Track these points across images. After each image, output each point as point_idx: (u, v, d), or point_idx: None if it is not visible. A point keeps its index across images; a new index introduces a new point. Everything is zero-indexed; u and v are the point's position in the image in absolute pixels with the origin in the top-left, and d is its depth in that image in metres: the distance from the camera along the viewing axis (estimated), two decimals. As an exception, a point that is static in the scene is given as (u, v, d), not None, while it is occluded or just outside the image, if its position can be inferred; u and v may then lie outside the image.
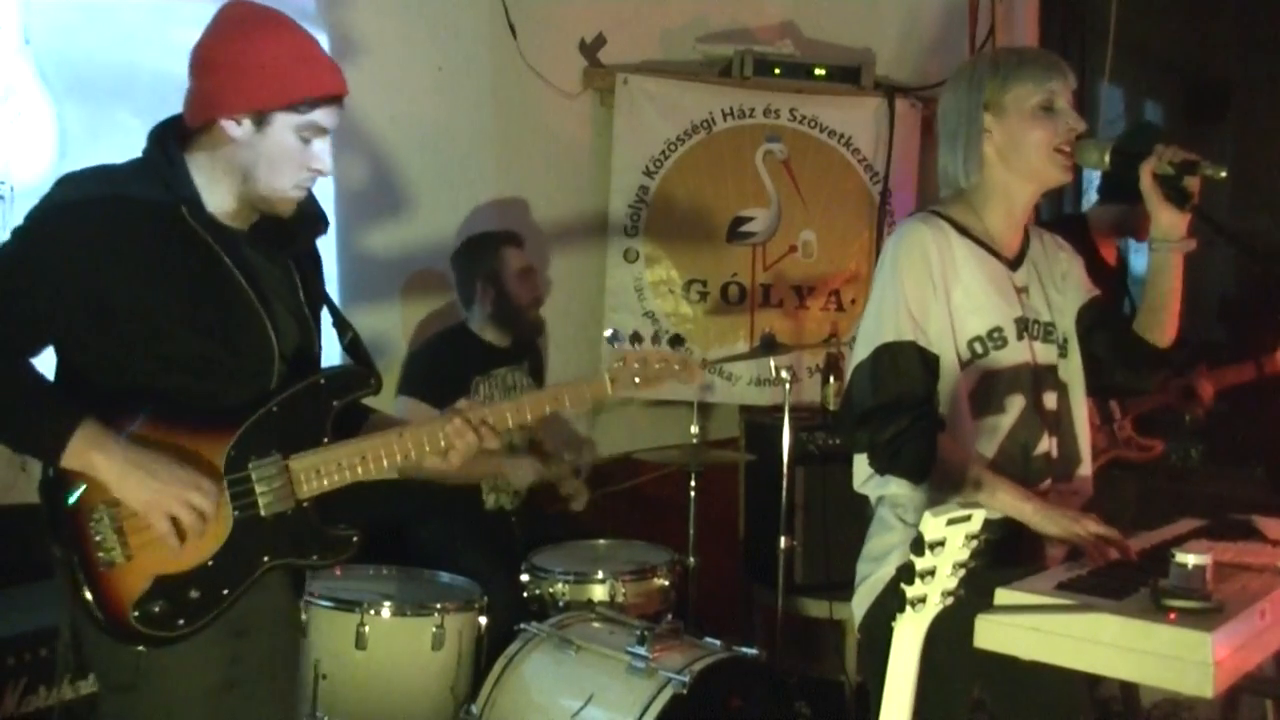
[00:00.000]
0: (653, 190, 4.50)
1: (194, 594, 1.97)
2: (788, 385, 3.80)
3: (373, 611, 2.97)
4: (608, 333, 2.34)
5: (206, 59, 2.02)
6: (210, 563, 1.98)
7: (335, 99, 2.05)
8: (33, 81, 3.04)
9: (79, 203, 1.95)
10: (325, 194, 3.73)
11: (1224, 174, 2.10)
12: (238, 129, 1.99)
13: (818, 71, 4.67)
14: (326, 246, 3.74)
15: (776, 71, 4.61)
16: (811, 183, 4.65)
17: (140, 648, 1.95)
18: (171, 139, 2.05)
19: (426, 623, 3.00)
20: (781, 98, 4.61)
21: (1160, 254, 2.22)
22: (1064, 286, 2.34)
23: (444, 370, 3.66)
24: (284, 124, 2.00)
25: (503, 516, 3.72)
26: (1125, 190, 2.37)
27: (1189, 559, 1.78)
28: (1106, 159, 2.18)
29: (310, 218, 2.16)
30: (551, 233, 4.38)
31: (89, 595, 1.92)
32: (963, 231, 2.22)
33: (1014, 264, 2.28)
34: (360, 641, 2.94)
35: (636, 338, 2.31)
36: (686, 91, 4.55)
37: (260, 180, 2.02)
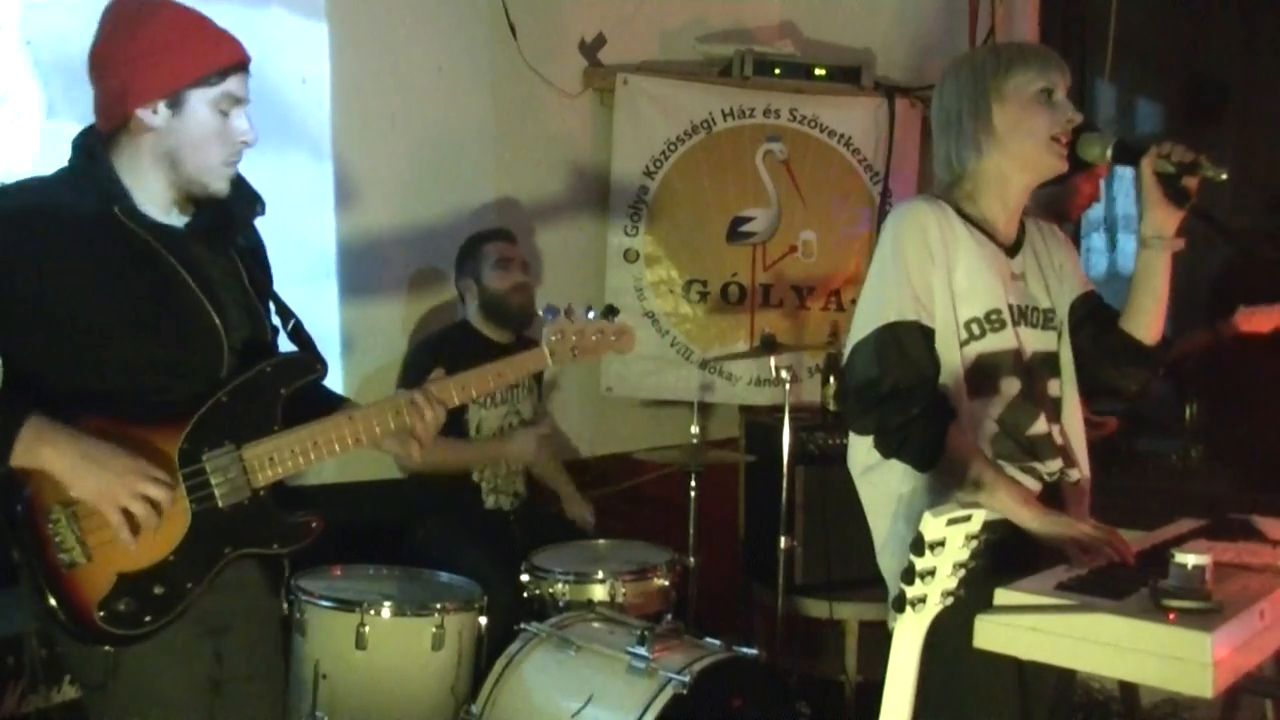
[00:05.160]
0: (653, 190, 4.50)
1: (158, 590, 1.96)
2: (788, 385, 3.80)
3: (373, 611, 2.97)
4: (541, 309, 2.38)
5: (106, 57, 2.01)
6: (171, 557, 1.98)
7: (241, 66, 2.04)
8: (32, 82, 3.04)
9: (9, 216, 1.95)
10: (325, 194, 3.76)
11: (1224, 175, 2.10)
12: (155, 117, 1.99)
13: (818, 71, 4.67)
14: (325, 245, 3.78)
15: (776, 71, 4.62)
16: (811, 183, 4.65)
17: (108, 648, 1.95)
18: (95, 143, 2.04)
19: (426, 623, 3.00)
20: (781, 98, 4.61)
21: (1150, 252, 2.22)
22: (1061, 276, 2.36)
23: (446, 365, 3.65)
24: (199, 100, 2.00)
25: (502, 516, 3.72)
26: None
27: (1189, 559, 1.78)
28: (1108, 153, 2.19)
29: (245, 200, 2.15)
30: (551, 233, 4.38)
31: (52, 599, 1.90)
32: (962, 215, 2.25)
33: (1011, 251, 2.30)
34: (360, 641, 2.94)
35: (570, 312, 2.36)
36: (686, 91, 4.55)
37: (188, 163, 2.02)
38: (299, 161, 3.70)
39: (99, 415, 1.95)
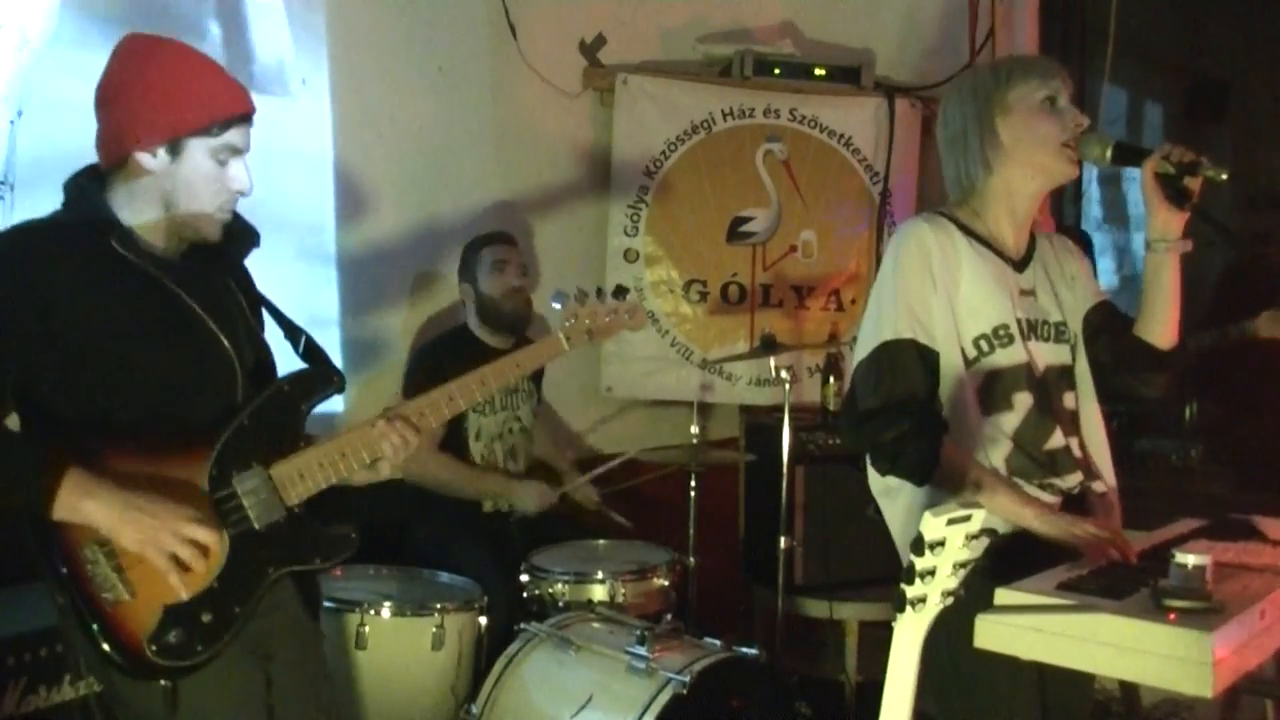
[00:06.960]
0: (653, 190, 4.50)
1: (206, 617, 1.96)
2: (788, 385, 3.79)
3: (373, 611, 2.97)
4: (552, 298, 2.40)
5: (113, 93, 2.02)
6: (216, 584, 1.97)
7: (244, 118, 2.05)
8: (32, 82, 3.04)
9: (8, 257, 1.94)
10: (325, 194, 3.76)
11: (1225, 176, 2.10)
12: (153, 160, 2.00)
13: (818, 71, 4.67)
14: (325, 248, 3.77)
15: (776, 71, 4.61)
16: (811, 183, 4.65)
17: (164, 681, 1.93)
18: (89, 183, 2.04)
19: (426, 623, 3.00)
20: (781, 98, 4.61)
21: (1157, 255, 2.22)
22: (1074, 288, 2.35)
23: (446, 372, 3.65)
24: (198, 149, 2.01)
25: (502, 518, 3.72)
26: None
27: (1189, 559, 1.77)
28: (1109, 154, 2.19)
29: (241, 235, 2.16)
30: (551, 233, 4.37)
31: (101, 639, 1.90)
32: (966, 231, 2.24)
33: (1019, 266, 2.29)
34: (360, 641, 2.94)
35: (582, 295, 2.37)
36: (686, 91, 4.55)
37: (182, 206, 2.02)
38: (298, 164, 3.69)
39: (123, 449, 1.94)
